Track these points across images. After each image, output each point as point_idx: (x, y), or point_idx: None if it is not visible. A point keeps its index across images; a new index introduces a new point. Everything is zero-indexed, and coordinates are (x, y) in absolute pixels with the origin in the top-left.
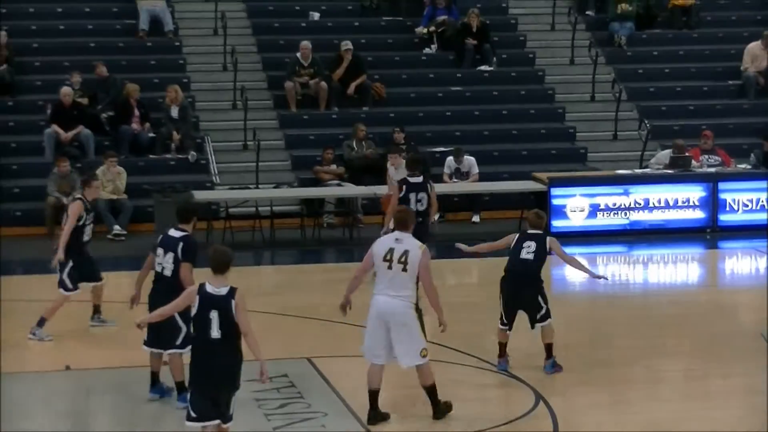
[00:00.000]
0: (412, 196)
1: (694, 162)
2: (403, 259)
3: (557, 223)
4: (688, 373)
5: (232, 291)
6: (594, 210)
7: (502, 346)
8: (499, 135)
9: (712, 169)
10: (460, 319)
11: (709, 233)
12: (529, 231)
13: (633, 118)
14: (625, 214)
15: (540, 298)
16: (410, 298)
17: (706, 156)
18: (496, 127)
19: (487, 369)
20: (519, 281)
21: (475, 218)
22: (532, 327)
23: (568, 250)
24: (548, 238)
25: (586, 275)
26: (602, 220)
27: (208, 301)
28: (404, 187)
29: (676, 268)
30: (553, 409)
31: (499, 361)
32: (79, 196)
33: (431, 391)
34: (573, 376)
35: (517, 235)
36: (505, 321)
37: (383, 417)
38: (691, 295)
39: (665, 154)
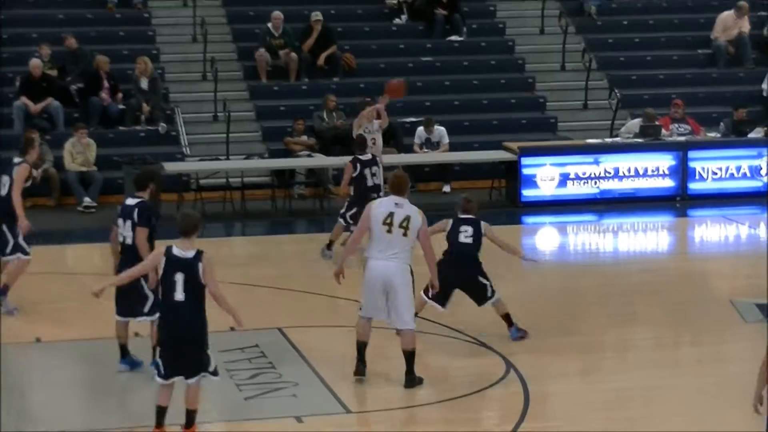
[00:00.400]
0: (367, 171)
1: (663, 131)
2: (404, 224)
3: (528, 193)
4: (658, 341)
5: (199, 254)
6: (564, 179)
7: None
8: (469, 105)
9: (682, 138)
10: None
11: (679, 201)
12: (462, 216)
13: (603, 88)
14: (595, 183)
15: (480, 278)
16: (407, 260)
17: (676, 125)
18: (466, 97)
19: (456, 338)
20: (459, 264)
21: (446, 188)
22: (479, 305)
23: (539, 219)
24: (482, 223)
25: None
26: (572, 189)
27: (173, 263)
28: (357, 165)
29: (646, 237)
30: (524, 377)
31: None
32: (20, 159)
33: (411, 356)
34: (543, 345)
35: (451, 220)
36: (429, 294)
37: (362, 371)
38: (661, 263)
39: (635, 123)
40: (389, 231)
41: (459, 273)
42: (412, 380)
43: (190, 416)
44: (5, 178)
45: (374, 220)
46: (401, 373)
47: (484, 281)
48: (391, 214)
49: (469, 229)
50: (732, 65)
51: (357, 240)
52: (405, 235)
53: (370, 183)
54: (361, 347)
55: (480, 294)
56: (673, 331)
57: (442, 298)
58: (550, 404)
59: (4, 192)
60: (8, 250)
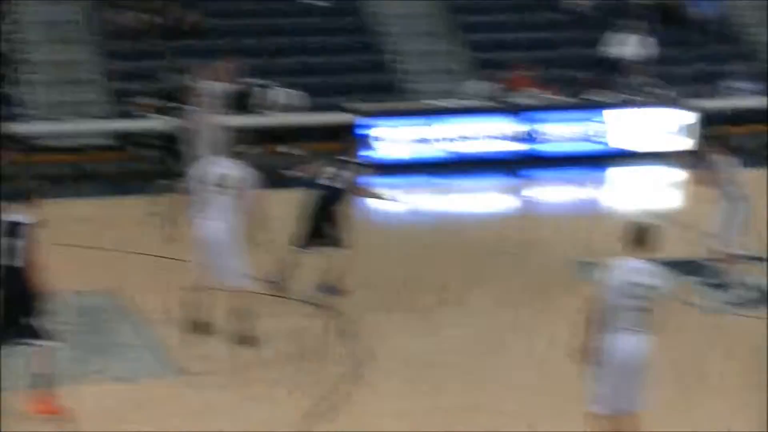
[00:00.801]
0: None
1: (511, 94)
2: (224, 183)
3: (371, 155)
4: (499, 302)
5: (29, 219)
6: (409, 141)
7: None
8: (316, 67)
9: (528, 101)
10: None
11: (524, 164)
12: (339, 157)
13: (454, 51)
14: (440, 145)
15: (334, 228)
16: (231, 219)
17: (524, 88)
18: (313, 60)
19: (291, 298)
20: (319, 205)
21: (284, 149)
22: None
23: (381, 180)
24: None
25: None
26: (416, 151)
27: (4, 227)
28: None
29: (490, 199)
30: (359, 336)
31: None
32: None
33: (244, 315)
34: (382, 305)
35: (326, 161)
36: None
37: (205, 327)
38: (505, 225)
39: (483, 86)
40: (212, 191)
41: (316, 218)
42: (245, 339)
43: (35, 380)
44: None
45: (197, 181)
46: (236, 332)
47: (336, 234)
48: (212, 174)
49: (335, 171)
50: (582, 28)
51: (186, 201)
52: (225, 194)
53: None
54: (198, 308)
55: (327, 241)
56: (517, 295)
57: (304, 242)
58: (386, 362)
59: None
60: None
